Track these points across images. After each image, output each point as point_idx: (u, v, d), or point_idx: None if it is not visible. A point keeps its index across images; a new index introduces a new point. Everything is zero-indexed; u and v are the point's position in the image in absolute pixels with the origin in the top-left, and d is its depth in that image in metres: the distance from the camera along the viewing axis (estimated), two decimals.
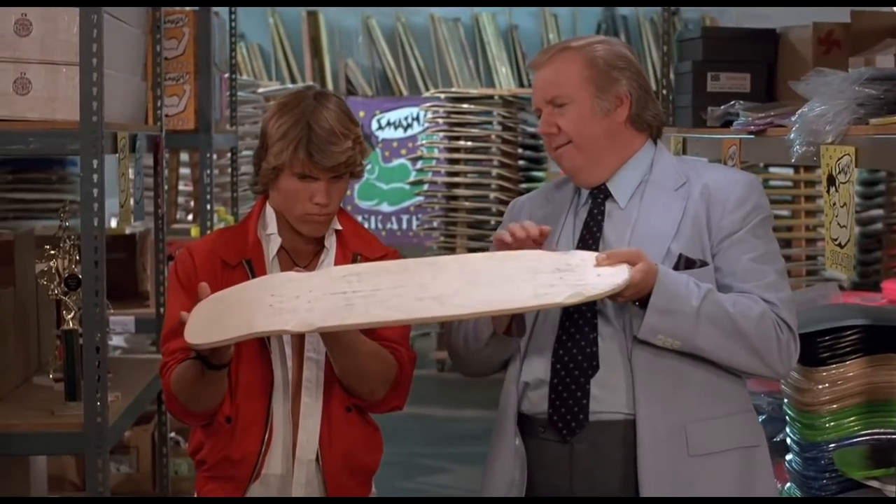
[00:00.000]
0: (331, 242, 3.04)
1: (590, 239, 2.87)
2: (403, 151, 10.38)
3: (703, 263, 2.81)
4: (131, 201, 4.00)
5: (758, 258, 2.83)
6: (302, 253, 3.04)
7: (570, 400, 2.79)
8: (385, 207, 10.46)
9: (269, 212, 3.03)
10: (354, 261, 3.01)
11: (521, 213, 3.03)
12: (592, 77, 2.87)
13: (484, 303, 2.68)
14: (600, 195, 2.91)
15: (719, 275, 2.82)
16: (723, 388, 2.83)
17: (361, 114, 10.28)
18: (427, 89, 10.23)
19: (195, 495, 3.10)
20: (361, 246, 3.05)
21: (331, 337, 2.88)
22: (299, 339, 2.97)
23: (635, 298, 2.71)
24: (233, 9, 6.35)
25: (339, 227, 3.05)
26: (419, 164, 9.45)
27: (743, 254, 2.82)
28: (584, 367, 2.79)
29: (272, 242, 3.01)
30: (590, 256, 2.72)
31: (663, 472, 2.75)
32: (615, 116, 2.89)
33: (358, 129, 3.01)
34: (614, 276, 2.66)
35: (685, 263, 2.80)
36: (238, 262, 2.98)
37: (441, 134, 9.00)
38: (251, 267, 2.97)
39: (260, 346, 2.96)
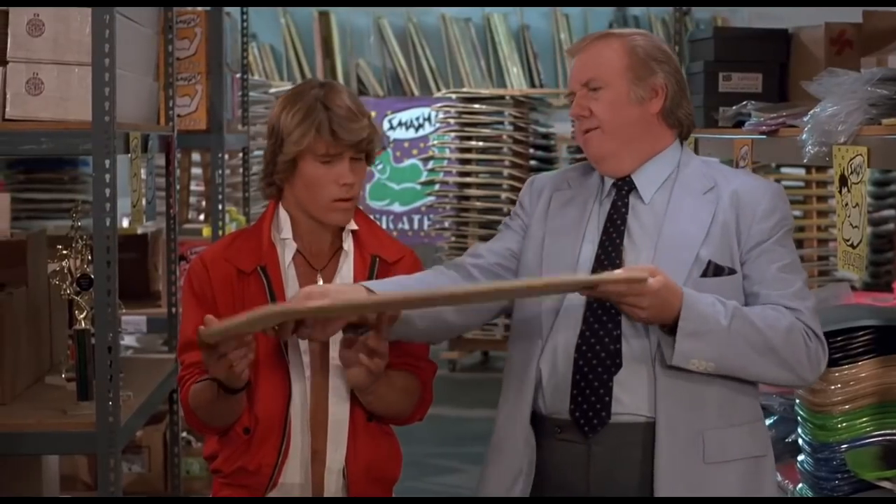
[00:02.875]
0: (348, 244, 3.02)
1: (614, 232, 2.86)
2: (415, 151, 10.38)
3: (732, 271, 2.80)
4: (143, 201, 4.00)
5: (784, 267, 2.83)
6: (318, 256, 3.01)
7: (593, 396, 2.78)
8: (396, 207, 10.46)
9: (283, 215, 3.00)
10: (373, 263, 3.00)
11: (541, 195, 3.00)
12: (631, 64, 2.87)
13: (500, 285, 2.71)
14: (625, 187, 2.90)
15: (747, 282, 2.81)
16: (740, 397, 2.83)
17: (373, 114, 10.20)
18: (438, 89, 10.23)
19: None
20: (379, 247, 3.04)
21: (364, 391, 2.90)
22: (323, 348, 2.96)
23: (658, 320, 2.69)
24: (244, 9, 6.35)
25: (356, 228, 3.04)
26: (430, 165, 9.44)
27: (771, 263, 2.82)
28: (606, 363, 2.78)
29: (287, 248, 2.99)
30: (607, 274, 2.72)
31: (678, 477, 2.75)
32: (649, 106, 2.88)
33: (368, 113, 3.02)
34: (631, 272, 2.67)
35: (714, 270, 2.79)
36: (253, 268, 2.96)
37: (452, 134, 9.00)
38: (266, 274, 2.95)
39: (277, 355, 2.94)
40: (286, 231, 2.99)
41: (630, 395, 2.78)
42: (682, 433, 2.75)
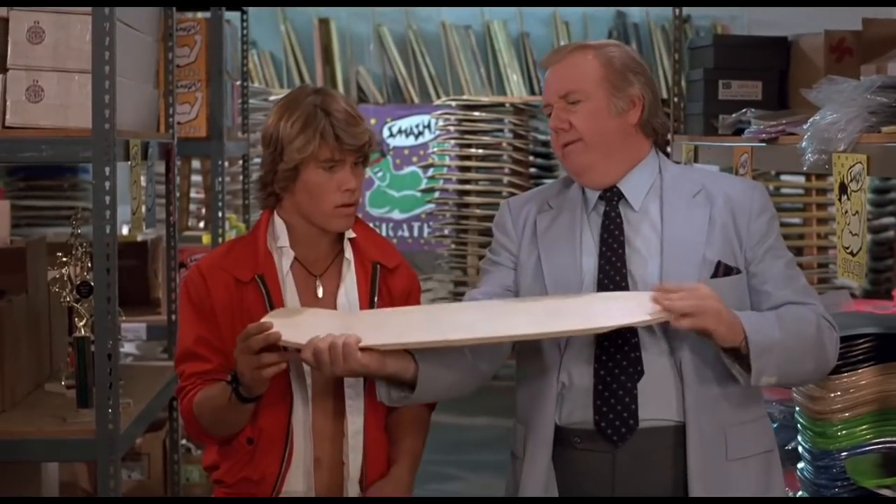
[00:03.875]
0: (349, 253, 3.02)
1: (613, 242, 2.85)
2: (415, 159, 10.37)
3: (738, 271, 2.82)
4: (143, 208, 4.00)
5: (788, 264, 2.87)
6: (316, 262, 3.01)
7: (619, 405, 2.78)
8: (396, 215, 10.46)
9: (279, 224, 3.00)
10: (374, 270, 3.00)
11: (525, 219, 2.97)
12: (608, 76, 2.87)
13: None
14: (613, 197, 2.90)
15: (756, 280, 2.83)
16: (752, 393, 2.85)
17: (373, 121, 10.27)
18: (438, 97, 10.22)
19: None
20: (378, 254, 3.04)
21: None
22: None
23: (725, 330, 2.68)
24: (244, 16, 6.36)
25: (353, 236, 3.03)
26: (430, 172, 9.44)
27: (776, 259, 2.86)
28: (629, 371, 2.78)
29: (284, 255, 2.98)
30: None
31: (709, 476, 2.77)
32: (628, 117, 2.88)
33: (364, 118, 3.03)
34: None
35: (724, 271, 2.80)
36: (251, 277, 2.95)
37: (452, 141, 9.00)
38: (264, 282, 2.94)
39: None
40: (283, 239, 2.99)
41: (655, 402, 2.78)
42: (708, 433, 2.78)
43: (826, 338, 2.82)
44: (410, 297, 3.07)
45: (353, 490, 2.97)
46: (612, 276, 2.82)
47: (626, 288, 2.80)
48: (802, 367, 2.81)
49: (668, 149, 3.03)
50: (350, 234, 3.02)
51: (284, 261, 2.98)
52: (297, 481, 2.95)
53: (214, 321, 2.94)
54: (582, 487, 2.84)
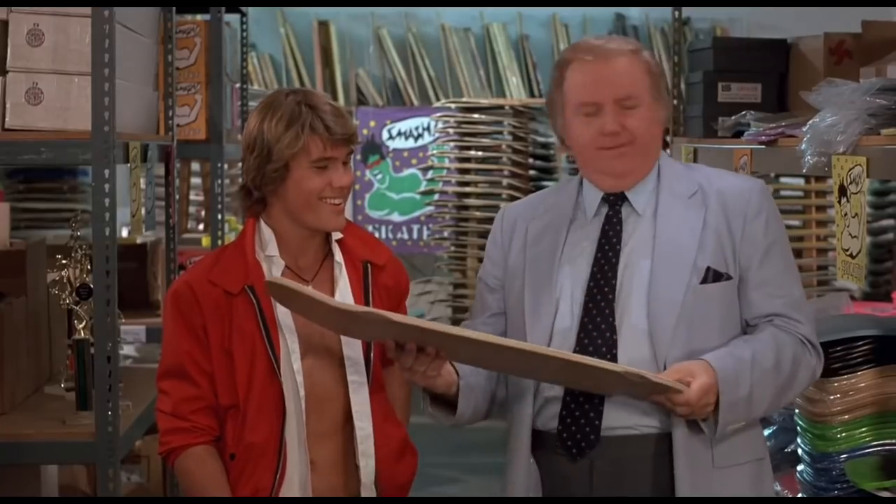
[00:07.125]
0: (339, 255, 2.99)
1: (609, 250, 2.83)
2: (414, 161, 10.37)
3: (729, 277, 2.80)
4: (143, 211, 4.00)
5: (785, 271, 2.85)
6: (306, 268, 2.98)
7: (582, 419, 2.77)
8: (396, 217, 10.45)
9: (266, 232, 2.96)
10: (365, 269, 2.99)
11: (515, 226, 2.96)
12: (652, 84, 2.87)
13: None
14: (618, 202, 2.88)
15: (749, 285, 2.82)
16: None
17: (372, 123, 10.28)
18: (438, 99, 10.22)
19: None
20: (368, 252, 3.02)
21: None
22: (339, 364, 2.95)
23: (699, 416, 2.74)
24: (244, 19, 6.36)
25: (341, 237, 3.01)
26: (430, 174, 9.44)
27: (773, 266, 2.84)
28: None
29: (274, 265, 2.94)
30: (648, 373, 2.71)
31: (695, 484, 2.75)
32: (664, 123, 2.93)
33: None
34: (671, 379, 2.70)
35: (713, 277, 2.78)
36: (240, 289, 2.92)
37: (451, 144, 8.99)
38: (254, 293, 2.91)
39: (270, 378, 2.90)
40: (271, 248, 2.95)
41: (636, 410, 2.77)
42: (694, 441, 2.76)
43: (805, 372, 2.83)
44: (400, 289, 3.07)
45: (368, 494, 2.96)
46: (601, 284, 2.81)
47: (609, 295, 2.80)
48: (774, 405, 2.85)
49: (667, 150, 3.03)
50: (337, 235, 3.00)
51: (274, 270, 2.94)
52: (292, 489, 2.92)
53: (204, 339, 2.91)
54: (562, 489, 2.83)
